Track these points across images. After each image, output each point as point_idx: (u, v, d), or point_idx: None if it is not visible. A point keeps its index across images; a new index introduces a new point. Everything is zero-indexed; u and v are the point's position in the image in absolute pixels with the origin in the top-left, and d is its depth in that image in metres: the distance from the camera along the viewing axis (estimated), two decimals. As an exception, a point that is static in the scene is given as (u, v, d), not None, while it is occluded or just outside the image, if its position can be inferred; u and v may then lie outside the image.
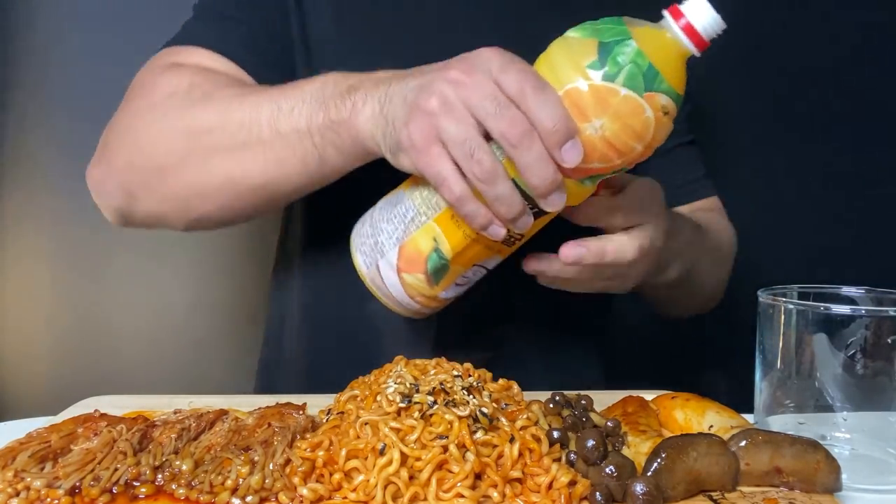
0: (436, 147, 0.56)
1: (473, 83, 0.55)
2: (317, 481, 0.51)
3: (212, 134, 0.69)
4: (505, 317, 0.85)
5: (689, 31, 0.56)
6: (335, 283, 0.84)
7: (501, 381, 0.63)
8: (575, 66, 0.55)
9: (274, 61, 0.79)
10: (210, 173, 0.70)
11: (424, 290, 0.63)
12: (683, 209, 0.92)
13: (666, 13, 0.57)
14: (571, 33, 0.58)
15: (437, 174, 0.56)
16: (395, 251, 0.62)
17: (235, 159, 0.69)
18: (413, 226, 0.62)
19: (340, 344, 0.85)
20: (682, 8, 0.57)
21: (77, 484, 0.50)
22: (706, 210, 0.95)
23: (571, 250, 0.64)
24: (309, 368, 0.88)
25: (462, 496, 0.49)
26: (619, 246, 0.65)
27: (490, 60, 0.56)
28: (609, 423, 0.59)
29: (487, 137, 0.55)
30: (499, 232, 0.58)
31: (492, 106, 0.54)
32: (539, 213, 0.58)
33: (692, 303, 0.95)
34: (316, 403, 0.64)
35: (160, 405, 0.66)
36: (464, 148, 0.55)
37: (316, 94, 0.65)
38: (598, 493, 0.50)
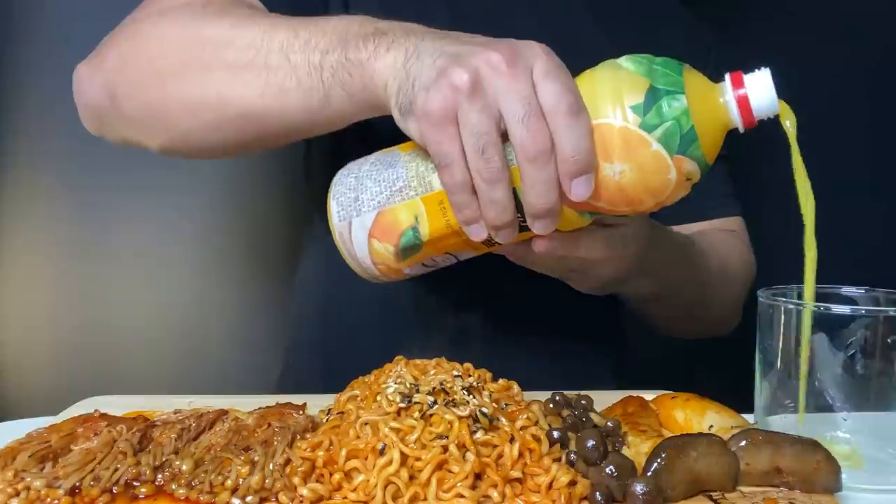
0: (451, 127, 0.52)
1: (512, 77, 0.51)
2: (317, 481, 0.51)
3: (217, 47, 0.65)
4: (512, 312, 0.85)
5: (743, 104, 0.54)
6: (355, 278, 0.85)
7: (501, 381, 0.63)
8: (616, 101, 0.53)
9: (300, 7, 0.74)
10: (204, 88, 0.66)
11: (390, 261, 0.61)
12: (698, 226, 0.91)
13: (727, 77, 0.55)
14: (626, 63, 0.55)
15: (445, 156, 0.53)
16: (372, 214, 0.60)
17: (235, 78, 0.64)
18: (399, 196, 0.59)
19: (361, 329, 0.87)
20: (746, 78, 0.54)
21: (77, 484, 0.50)
22: (723, 230, 0.92)
23: (544, 242, 0.61)
24: (332, 353, 0.89)
25: (462, 496, 0.49)
26: (592, 242, 0.63)
27: (537, 58, 0.53)
28: (609, 423, 0.59)
29: (503, 135, 0.53)
30: (480, 233, 0.56)
31: (522, 110, 0.51)
32: (525, 229, 0.57)
33: (680, 324, 0.93)
34: (316, 403, 0.64)
35: (160, 405, 0.66)
36: (478, 141, 0.52)
37: (339, 29, 0.60)
38: (598, 493, 0.50)
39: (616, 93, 0.53)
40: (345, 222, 0.61)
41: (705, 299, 0.88)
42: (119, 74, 0.70)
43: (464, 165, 0.53)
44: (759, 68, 0.54)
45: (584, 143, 0.52)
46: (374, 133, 0.65)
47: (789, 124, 0.56)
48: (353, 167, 0.63)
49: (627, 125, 0.52)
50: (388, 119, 0.59)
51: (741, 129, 0.55)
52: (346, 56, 0.59)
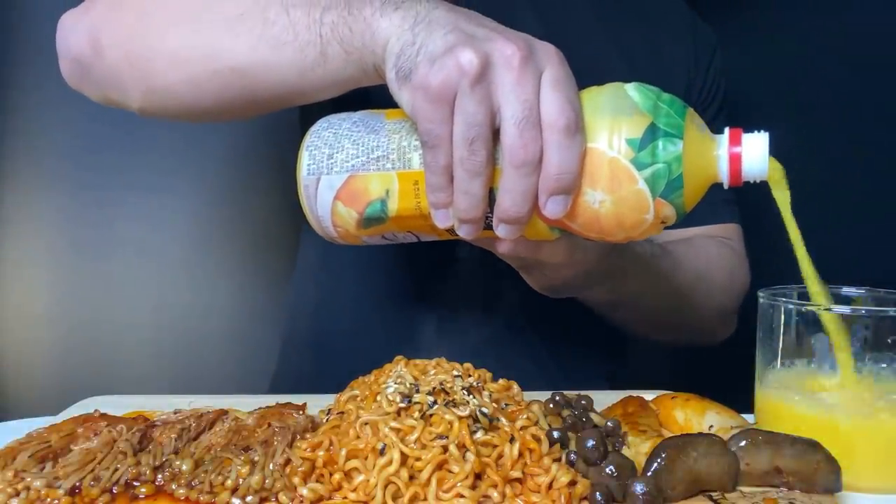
0: (446, 107, 0.50)
1: (521, 76, 0.50)
2: (317, 481, 0.51)
3: None
4: (512, 312, 0.85)
5: (735, 163, 0.53)
6: (352, 276, 0.84)
7: (501, 381, 0.63)
8: (614, 131, 0.52)
9: None
10: (193, 39, 0.63)
11: (350, 227, 0.60)
12: (687, 232, 0.89)
13: (727, 132, 0.54)
14: (632, 92, 0.53)
15: (434, 136, 0.51)
16: (343, 176, 0.58)
17: (228, 30, 0.62)
18: (375, 165, 0.57)
19: (356, 325, 0.87)
20: (745, 137, 0.54)
21: (77, 484, 0.50)
22: (712, 237, 0.91)
23: (508, 245, 0.60)
24: (326, 359, 0.89)
25: (462, 496, 0.49)
26: (554, 249, 0.62)
27: (548, 62, 0.51)
28: (609, 423, 0.59)
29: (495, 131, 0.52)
30: (446, 221, 0.55)
31: (521, 114, 0.50)
32: (491, 227, 0.56)
33: (654, 331, 0.91)
34: (316, 403, 0.64)
35: (160, 405, 0.66)
36: (469, 131, 0.50)
37: None
38: (598, 493, 0.50)
39: (616, 121, 0.52)
40: (313, 177, 0.60)
41: (678, 308, 0.86)
42: (105, 22, 0.68)
43: (449, 150, 0.51)
44: (759, 130, 0.54)
45: (571, 165, 0.51)
46: None
47: (780, 193, 0.56)
48: (333, 121, 0.61)
49: (619, 157, 0.52)
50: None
51: (725, 186, 0.55)
52: (348, 10, 0.57)
